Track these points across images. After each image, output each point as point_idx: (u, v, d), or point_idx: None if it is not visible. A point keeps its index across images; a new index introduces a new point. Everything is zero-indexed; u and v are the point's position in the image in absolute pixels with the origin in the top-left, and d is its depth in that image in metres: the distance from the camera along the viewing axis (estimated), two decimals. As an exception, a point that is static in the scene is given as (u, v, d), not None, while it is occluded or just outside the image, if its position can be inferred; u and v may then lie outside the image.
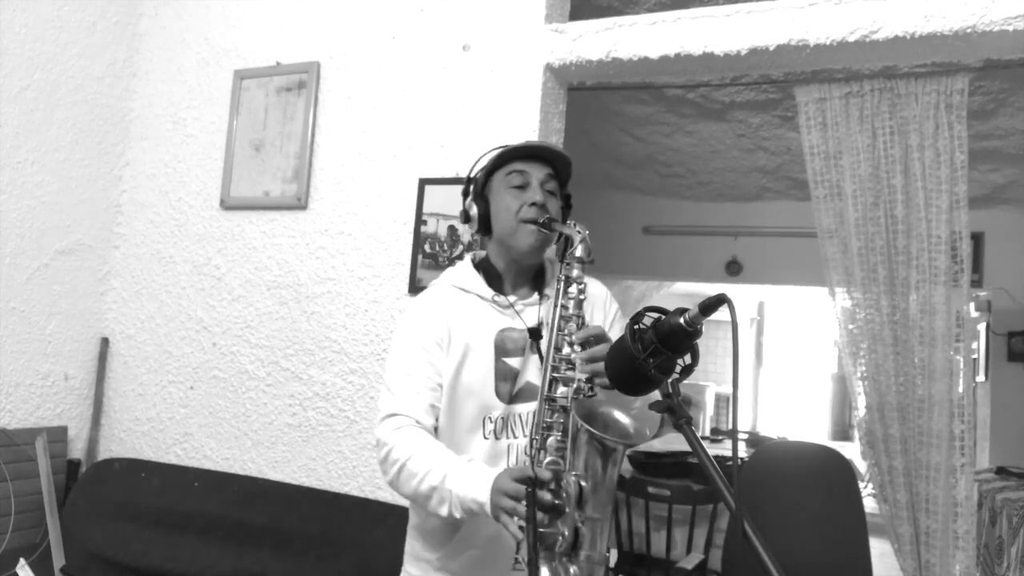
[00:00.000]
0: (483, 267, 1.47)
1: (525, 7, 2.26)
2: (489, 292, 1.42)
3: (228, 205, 2.63)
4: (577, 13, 2.40)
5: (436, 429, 1.38)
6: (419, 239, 2.30)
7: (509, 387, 1.37)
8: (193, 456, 2.58)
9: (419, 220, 2.30)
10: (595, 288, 1.49)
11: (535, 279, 1.47)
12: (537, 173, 1.41)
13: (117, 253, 2.82)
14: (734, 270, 5.14)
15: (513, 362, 1.38)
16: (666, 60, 2.14)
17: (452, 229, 2.26)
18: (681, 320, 1.03)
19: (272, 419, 2.47)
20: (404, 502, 2.18)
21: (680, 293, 7.12)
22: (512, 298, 1.42)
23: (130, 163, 2.84)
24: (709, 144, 4.02)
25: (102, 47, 2.74)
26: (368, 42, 2.47)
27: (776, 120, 3.58)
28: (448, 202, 2.27)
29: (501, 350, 1.38)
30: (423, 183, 2.32)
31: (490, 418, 1.37)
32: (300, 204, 2.49)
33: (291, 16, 2.61)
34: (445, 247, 2.26)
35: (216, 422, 2.56)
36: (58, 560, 2.40)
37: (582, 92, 2.49)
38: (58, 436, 2.62)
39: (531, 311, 1.41)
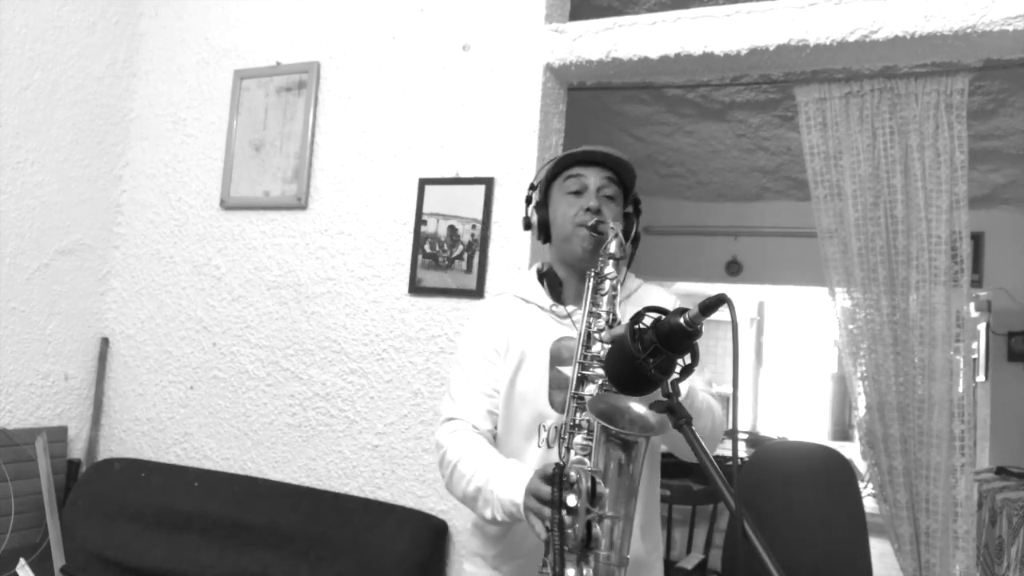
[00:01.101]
0: (547, 276, 1.48)
1: (525, 7, 2.26)
2: (548, 302, 1.43)
3: (228, 205, 2.63)
4: (577, 13, 2.40)
5: (495, 436, 1.39)
6: (419, 239, 2.30)
7: (563, 396, 1.37)
8: (193, 456, 2.58)
9: (419, 220, 2.30)
10: (663, 295, 1.51)
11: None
12: (594, 178, 1.41)
13: (117, 253, 2.82)
14: (734, 270, 5.14)
15: (568, 371, 1.37)
16: (666, 60, 2.14)
17: (452, 229, 2.26)
18: (681, 320, 1.03)
19: (272, 419, 2.47)
20: (404, 502, 2.19)
21: (680, 293, 7.06)
22: (571, 307, 1.42)
23: (130, 163, 2.84)
24: (709, 144, 4.02)
25: (102, 47, 2.74)
26: (368, 42, 2.47)
27: (776, 120, 3.58)
28: (448, 202, 2.27)
29: (556, 359, 1.38)
30: (423, 183, 2.32)
31: (544, 427, 1.37)
32: (300, 204, 2.49)
33: (291, 16, 2.61)
34: (445, 247, 2.26)
35: (216, 422, 2.56)
36: (58, 560, 2.40)
37: (582, 92, 2.50)
38: (58, 436, 2.62)
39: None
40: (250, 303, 2.56)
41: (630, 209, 1.49)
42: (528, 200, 1.50)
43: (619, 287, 1.32)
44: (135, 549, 2.34)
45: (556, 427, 1.37)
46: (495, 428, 1.39)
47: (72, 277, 2.68)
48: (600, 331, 1.27)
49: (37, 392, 2.57)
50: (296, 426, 2.43)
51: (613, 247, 1.32)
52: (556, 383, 1.38)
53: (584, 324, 1.29)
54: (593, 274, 1.33)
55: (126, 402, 2.73)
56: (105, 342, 2.78)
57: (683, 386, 1.29)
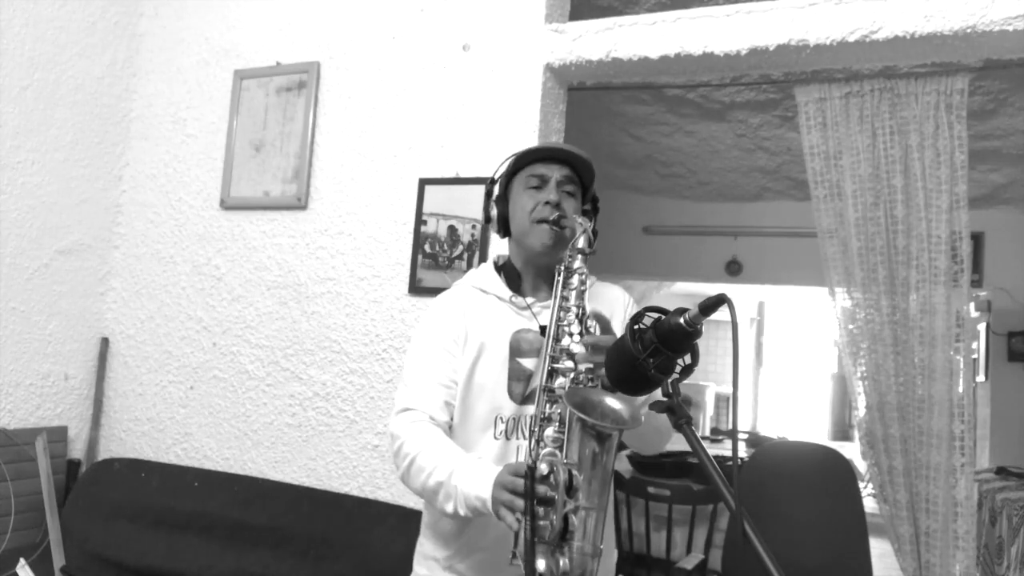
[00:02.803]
0: (504, 268, 1.49)
1: (525, 7, 2.26)
2: (507, 293, 1.43)
3: (228, 205, 2.63)
4: (577, 13, 2.40)
5: (451, 427, 1.39)
6: (419, 239, 2.30)
7: (522, 387, 1.38)
8: (193, 456, 2.58)
9: (419, 220, 2.30)
10: (616, 293, 1.52)
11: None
12: (555, 174, 1.42)
13: (117, 253, 2.82)
14: (734, 270, 5.14)
15: (527, 363, 1.38)
16: (666, 60, 2.14)
17: (452, 229, 2.26)
18: (681, 320, 1.03)
19: (272, 419, 2.47)
20: (404, 502, 2.19)
21: (680, 293, 7.12)
22: (530, 299, 1.43)
23: (130, 163, 2.84)
24: (709, 144, 4.02)
25: (102, 47, 2.74)
26: (368, 42, 2.47)
27: (776, 120, 3.58)
28: (448, 202, 2.27)
29: (516, 350, 1.39)
30: (423, 183, 2.32)
31: (501, 418, 1.38)
32: (300, 204, 2.50)
33: (291, 16, 2.61)
34: (445, 247, 2.26)
35: (216, 422, 2.56)
36: (58, 560, 2.41)
37: (582, 92, 2.49)
38: (58, 436, 2.62)
39: (549, 312, 1.39)
40: (250, 303, 2.56)
41: (588, 207, 1.48)
42: (488, 194, 1.51)
43: (587, 281, 1.32)
44: (135, 549, 2.34)
45: (513, 418, 1.37)
46: (451, 419, 1.39)
47: (72, 277, 2.68)
48: (569, 325, 1.28)
49: (37, 392, 2.57)
50: (296, 426, 2.43)
51: (582, 242, 1.32)
52: (515, 374, 1.38)
53: (554, 318, 1.29)
54: (562, 268, 1.33)
55: (126, 402, 2.73)
56: (105, 342, 2.78)
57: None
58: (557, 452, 1.19)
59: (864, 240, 2.09)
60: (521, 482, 1.10)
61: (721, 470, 0.97)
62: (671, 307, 1.08)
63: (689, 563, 2.68)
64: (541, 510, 1.08)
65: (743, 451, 4.31)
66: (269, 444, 2.47)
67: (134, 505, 2.43)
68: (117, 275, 2.81)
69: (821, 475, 2.56)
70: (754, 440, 5.15)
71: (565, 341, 1.27)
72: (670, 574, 2.66)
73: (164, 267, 2.72)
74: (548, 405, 1.24)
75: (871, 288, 2.09)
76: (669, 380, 1.07)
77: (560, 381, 1.25)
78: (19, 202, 2.48)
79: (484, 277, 1.49)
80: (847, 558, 2.39)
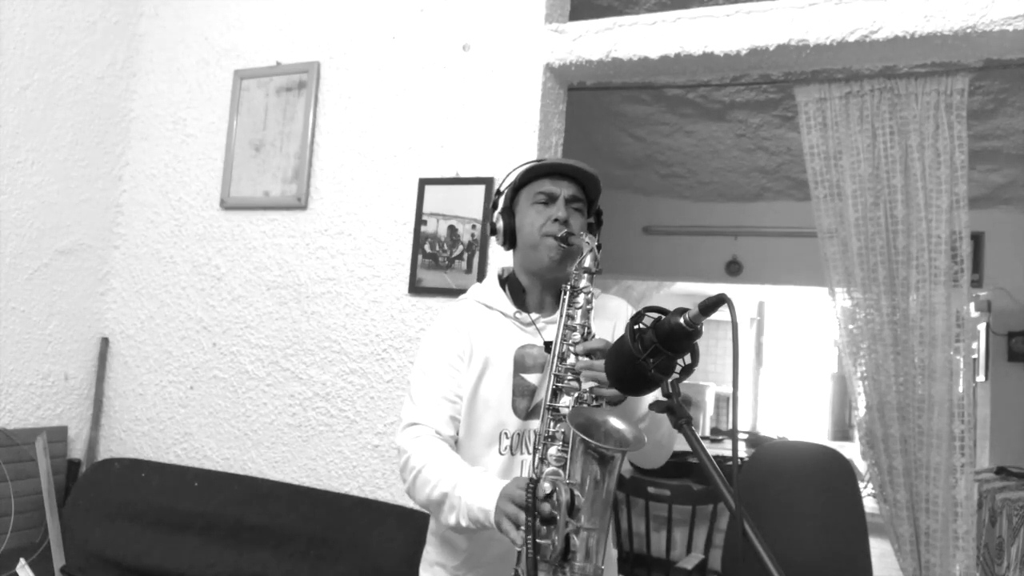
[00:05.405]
0: (509, 282, 1.49)
1: (525, 7, 2.26)
2: (511, 309, 1.44)
3: (228, 205, 2.63)
4: (577, 13, 2.40)
5: (456, 442, 1.39)
6: (419, 239, 2.30)
7: (526, 403, 1.38)
8: (193, 456, 2.58)
9: (419, 220, 2.30)
10: (617, 304, 1.53)
11: (560, 295, 1.47)
12: (564, 191, 1.43)
13: (117, 253, 2.82)
14: (734, 270, 5.14)
15: (531, 378, 1.39)
16: (666, 60, 2.14)
17: (452, 229, 2.26)
18: (681, 320, 1.03)
19: (272, 419, 2.47)
20: (404, 502, 2.19)
21: (680, 293, 7.13)
22: (534, 315, 1.43)
23: (130, 163, 2.84)
24: (709, 144, 4.02)
25: (102, 47, 2.74)
26: (368, 42, 2.48)
27: (776, 120, 3.58)
28: (448, 202, 2.27)
29: (520, 366, 1.39)
30: (423, 183, 2.32)
31: (506, 433, 1.38)
32: (300, 204, 2.50)
33: (291, 16, 2.61)
34: (445, 247, 2.26)
35: (216, 422, 2.56)
36: (58, 560, 2.40)
37: (582, 92, 2.50)
38: (58, 436, 2.62)
39: (553, 328, 1.39)
40: (250, 303, 2.56)
41: (592, 220, 1.50)
42: (494, 206, 1.51)
43: (593, 300, 1.32)
44: (135, 549, 2.34)
45: (518, 434, 1.38)
46: (457, 434, 1.39)
47: (72, 277, 2.68)
48: (575, 344, 1.28)
49: (37, 392, 2.57)
50: (296, 426, 2.43)
51: (588, 261, 1.33)
52: (519, 390, 1.39)
53: (559, 337, 1.30)
54: (568, 287, 1.33)
55: (126, 402, 2.73)
56: (105, 342, 2.78)
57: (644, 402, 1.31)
58: (560, 472, 1.19)
59: (864, 240, 2.09)
60: (524, 496, 1.10)
61: (721, 470, 0.97)
62: (671, 307, 1.08)
63: (689, 563, 2.68)
64: (543, 529, 1.08)
65: (743, 451, 4.31)
66: (269, 444, 2.47)
67: (134, 505, 2.43)
68: (117, 275, 2.81)
69: (821, 475, 2.56)
70: (754, 440, 5.16)
71: (571, 360, 1.28)
72: (670, 574, 2.66)
73: (164, 267, 2.72)
74: (552, 424, 1.24)
75: (871, 288, 2.09)
76: (669, 380, 1.07)
77: (565, 400, 1.25)
78: (19, 202, 2.48)
79: (488, 292, 1.49)
80: (847, 558, 2.39)
